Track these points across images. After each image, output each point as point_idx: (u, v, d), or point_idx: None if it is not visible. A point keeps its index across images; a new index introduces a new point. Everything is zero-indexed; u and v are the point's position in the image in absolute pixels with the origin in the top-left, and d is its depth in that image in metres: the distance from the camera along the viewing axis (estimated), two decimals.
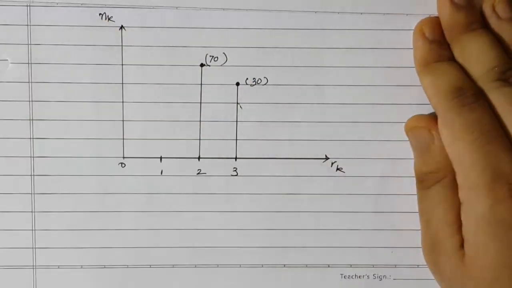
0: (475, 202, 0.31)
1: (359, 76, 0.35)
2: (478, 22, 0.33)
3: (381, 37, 0.35)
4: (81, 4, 0.34)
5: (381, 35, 0.35)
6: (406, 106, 0.35)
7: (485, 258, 0.31)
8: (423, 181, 0.34)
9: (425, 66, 0.34)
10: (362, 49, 0.35)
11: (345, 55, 0.35)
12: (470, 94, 0.32)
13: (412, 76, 0.35)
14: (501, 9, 0.33)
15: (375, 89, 0.35)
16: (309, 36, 0.35)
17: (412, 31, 0.34)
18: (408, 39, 0.35)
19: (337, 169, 0.36)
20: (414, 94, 0.35)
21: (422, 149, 0.34)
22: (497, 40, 0.33)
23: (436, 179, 0.33)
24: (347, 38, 0.35)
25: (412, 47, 0.34)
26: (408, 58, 0.35)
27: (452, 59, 0.33)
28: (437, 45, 0.34)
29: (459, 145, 0.32)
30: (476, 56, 0.33)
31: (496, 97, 0.32)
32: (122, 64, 0.35)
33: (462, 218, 0.32)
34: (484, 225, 0.31)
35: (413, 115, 0.35)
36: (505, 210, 0.31)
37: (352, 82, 0.35)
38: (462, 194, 0.32)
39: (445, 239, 0.33)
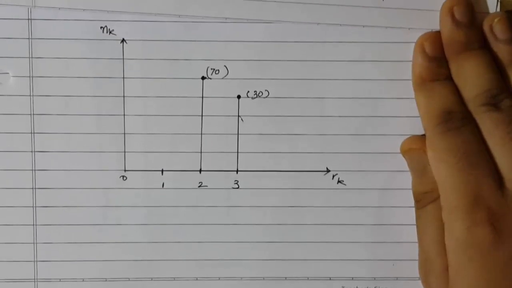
0: (454, 224, 0.32)
1: (360, 88, 0.35)
2: (478, 41, 0.33)
3: (382, 50, 0.35)
4: (83, 17, 0.34)
5: (382, 47, 0.35)
6: (407, 119, 0.35)
7: (464, 280, 0.32)
8: (419, 201, 0.34)
9: (421, 84, 0.34)
10: (363, 61, 0.35)
11: (347, 67, 0.35)
12: (458, 118, 0.33)
13: (412, 89, 0.35)
14: (499, 29, 0.33)
15: (376, 101, 0.35)
16: (311, 48, 0.35)
17: (414, 43, 0.34)
18: (409, 52, 0.35)
19: (338, 181, 0.36)
20: (415, 107, 0.35)
21: (417, 170, 0.34)
22: (494, 61, 0.33)
23: (431, 199, 0.34)
24: (348, 51, 0.35)
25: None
26: (409, 71, 0.35)
27: (449, 76, 0.34)
28: (435, 63, 0.34)
29: (441, 168, 0.32)
30: (470, 77, 0.33)
31: (483, 121, 0.32)
32: (124, 77, 0.35)
33: (445, 239, 0.33)
34: (462, 247, 0.32)
35: (413, 126, 0.35)
36: (483, 233, 0.31)
37: (353, 94, 0.35)
38: (443, 216, 0.33)
39: (434, 258, 0.33)
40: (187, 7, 0.34)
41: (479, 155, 0.32)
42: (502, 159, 0.32)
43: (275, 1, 0.34)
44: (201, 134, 0.35)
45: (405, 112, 0.35)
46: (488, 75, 0.33)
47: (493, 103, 0.32)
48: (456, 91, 0.33)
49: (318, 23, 0.35)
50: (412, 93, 0.35)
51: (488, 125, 0.32)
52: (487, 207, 0.31)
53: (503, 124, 0.32)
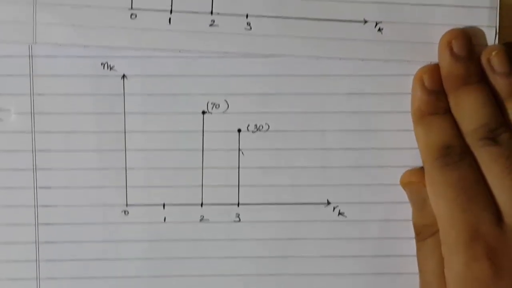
0: (453, 259, 0.32)
1: (360, 121, 0.35)
2: (476, 75, 0.33)
3: (382, 83, 0.35)
4: (83, 54, 0.34)
5: (382, 80, 0.35)
6: (406, 151, 0.35)
7: None
8: (420, 233, 0.34)
9: (420, 117, 0.34)
10: (363, 94, 0.35)
11: (346, 100, 0.35)
12: (456, 153, 0.33)
13: (411, 121, 0.35)
14: (496, 63, 0.33)
15: (376, 133, 0.35)
16: (311, 82, 0.35)
17: (413, 76, 0.35)
18: (408, 84, 0.35)
19: (339, 213, 0.36)
20: (414, 139, 0.35)
21: (417, 203, 0.34)
22: (492, 95, 0.33)
23: (431, 232, 0.34)
24: (348, 84, 0.35)
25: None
26: (409, 103, 0.35)
27: (448, 110, 0.34)
28: (434, 96, 0.34)
29: (440, 202, 0.33)
30: (468, 111, 0.33)
31: (482, 155, 0.33)
32: (125, 112, 0.35)
33: (445, 273, 0.33)
34: (461, 281, 0.32)
35: (413, 158, 0.35)
36: (481, 268, 0.31)
37: (354, 127, 0.35)
38: (443, 250, 0.33)
39: None
40: (187, 42, 0.34)
41: (478, 190, 0.32)
42: (501, 194, 0.32)
43: (275, 36, 0.35)
44: (202, 168, 0.36)
45: (405, 144, 0.35)
46: (486, 109, 0.33)
47: (491, 137, 0.33)
48: (455, 125, 0.34)
49: (317, 57, 0.35)
50: (411, 125, 0.35)
51: (487, 159, 0.32)
52: (486, 242, 0.32)
53: (501, 158, 0.32)
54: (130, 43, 0.34)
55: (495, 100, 0.33)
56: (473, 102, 0.33)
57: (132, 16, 0.34)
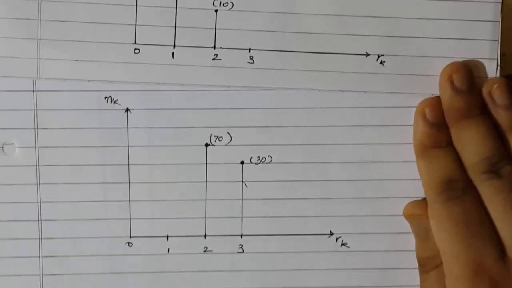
0: None
1: (363, 152, 0.36)
2: (478, 107, 0.34)
3: (384, 115, 0.35)
4: (87, 88, 0.35)
5: (384, 112, 0.35)
6: (409, 182, 0.36)
7: None
8: (423, 265, 0.35)
9: (422, 151, 0.34)
10: (365, 126, 0.35)
11: (349, 132, 0.35)
12: (459, 187, 0.33)
13: (413, 152, 0.35)
14: (498, 95, 0.33)
15: (379, 165, 0.36)
16: (313, 114, 0.35)
17: (415, 108, 0.35)
18: (410, 116, 0.35)
19: (342, 244, 0.36)
20: (417, 170, 0.35)
21: (420, 235, 0.35)
22: (494, 127, 0.33)
23: (435, 264, 0.34)
24: (350, 116, 0.35)
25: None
26: (411, 134, 0.35)
27: (450, 142, 0.34)
28: (436, 129, 0.34)
29: (443, 236, 0.33)
30: (470, 145, 0.33)
31: (484, 189, 0.33)
32: (128, 146, 0.35)
33: None
34: None
35: (415, 190, 0.35)
36: None
37: (356, 158, 0.36)
38: (446, 283, 0.33)
39: None
40: (190, 76, 0.35)
41: (481, 224, 0.32)
42: (504, 228, 0.32)
43: (277, 69, 0.35)
44: (206, 199, 0.36)
45: (407, 175, 0.36)
46: (488, 143, 0.33)
47: (493, 171, 0.33)
48: (457, 158, 0.34)
49: (320, 90, 0.35)
50: (413, 156, 0.35)
51: (489, 193, 0.33)
52: (489, 276, 0.32)
53: (503, 192, 0.32)
54: (133, 77, 0.34)
55: (496, 132, 0.34)
56: (474, 135, 0.33)
57: (136, 51, 0.34)
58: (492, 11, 0.35)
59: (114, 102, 0.35)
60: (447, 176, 0.33)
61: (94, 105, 0.35)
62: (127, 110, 0.35)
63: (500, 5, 0.35)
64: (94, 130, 0.35)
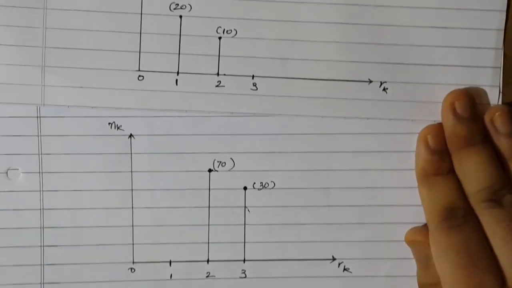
0: None
1: (365, 178, 0.36)
2: (480, 135, 0.34)
3: (386, 141, 0.36)
4: (91, 114, 0.35)
5: (386, 138, 0.35)
6: (411, 208, 0.36)
7: None
8: None
9: (424, 178, 0.34)
10: (368, 152, 0.36)
11: (352, 158, 0.36)
12: (460, 215, 0.33)
13: (415, 179, 0.35)
14: (499, 123, 0.34)
15: (381, 191, 0.36)
16: (316, 140, 0.35)
17: (417, 134, 0.35)
18: (412, 142, 0.35)
19: (344, 269, 0.36)
20: (418, 196, 0.35)
21: (422, 262, 0.35)
22: (495, 155, 0.34)
23: None
24: (353, 142, 0.36)
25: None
26: (413, 160, 0.35)
27: (452, 170, 0.34)
28: (438, 156, 0.34)
29: (444, 265, 0.33)
30: (471, 173, 0.33)
31: (485, 218, 0.33)
32: (132, 171, 0.35)
33: None
34: None
35: (417, 215, 0.36)
36: None
37: (358, 184, 0.36)
38: None
39: None
40: (194, 103, 0.35)
41: (481, 253, 0.32)
42: (504, 257, 0.32)
43: (281, 96, 0.35)
44: (208, 225, 0.36)
45: (409, 201, 0.36)
46: (489, 171, 0.33)
47: (494, 199, 0.33)
48: (459, 186, 0.34)
49: (323, 116, 0.35)
50: (415, 182, 0.35)
51: (490, 222, 0.33)
52: None
53: (504, 221, 0.32)
54: (137, 104, 0.35)
55: (498, 160, 0.34)
56: (476, 163, 0.33)
57: (140, 78, 0.35)
58: (494, 38, 0.35)
59: (118, 128, 0.35)
60: (448, 204, 0.33)
61: (98, 131, 0.35)
62: (130, 136, 0.35)
63: (502, 32, 0.35)
64: (98, 156, 0.35)
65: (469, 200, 0.33)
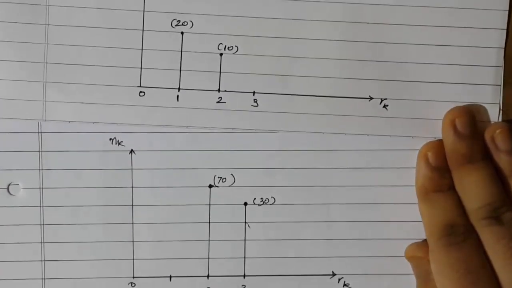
0: None
1: (365, 194, 0.36)
2: (480, 153, 0.34)
3: (387, 158, 0.36)
4: (92, 130, 0.35)
5: (387, 155, 0.36)
6: (411, 223, 0.36)
7: None
8: None
9: (424, 195, 0.34)
10: (368, 168, 0.36)
11: (352, 174, 0.36)
12: (460, 232, 0.33)
13: (415, 195, 0.35)
14: (500, 140, 0.34)
15: (381, 207, 0.36)
16: (316, 156, 0.36)
17: (417, 151, 0.35)
18: (412, 158, 0.35)
19: (344, 285, 0.36)
20: (418, 212, 0.35)
21: (422, 277, 0.35)
22: (496, 172, 0.34)
23: None
24: (353, 159, 0.36)
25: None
26: (413, 177, 0.35)
27: (452, 187, 0.34)
28: (438, 173, 0.34)
29: (443, 281, 0.33)
30: (471, 190, 0.33)
31: (485, 235, 0.33)
32: (132, 187, 0.35)
33: None
34: None
35: (417, 231, 0.36)
36: None
37: (358, 200, 0.36)
38: None
39: None
40: (195, 119, 0.35)
41: (481, 271, 0.33)
42: (504, 275, 0.32)
43: (281, 112, 0.35)
44: (209, 240, 0.36)
45: (409, 217, 0.36)
46: (489, 188, 0.33)
47: (494, 217, 0.33)
48: (459, 203, 0.34)
49: (323, 133, 0.35)
50: (415, 198, 0.35)
51: (490, 239, 0.33)
52: None
53: (504, 239, 0.32)
54: (138, 120, 0.35)
55: (498, 177, 0.34)
56: (476, 181, 0.34)
57: (141, 94, 0.35)
58: (494, 56, 0.35)
59: (119, 143, 0.35)
60: (448, 221, 0.33)
61: (99, 147, 0.35)
62: (131, 151, 0.35)
63: (502, 50, 0.35)
64: (98, 171, 0.35)
65: (469, 217, 0.34)
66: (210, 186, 0.36)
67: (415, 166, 0.35)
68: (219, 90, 0.35)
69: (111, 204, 0.35)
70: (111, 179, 0.35)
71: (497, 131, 0.34)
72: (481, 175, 0.34)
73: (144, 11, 0.34)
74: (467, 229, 0.33)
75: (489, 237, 0.33)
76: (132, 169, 0.35)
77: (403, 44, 0.35)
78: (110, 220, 0.35)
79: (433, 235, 0.34)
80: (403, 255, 0.36)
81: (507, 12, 0.35)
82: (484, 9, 0.35)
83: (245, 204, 0.36)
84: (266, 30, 0.35)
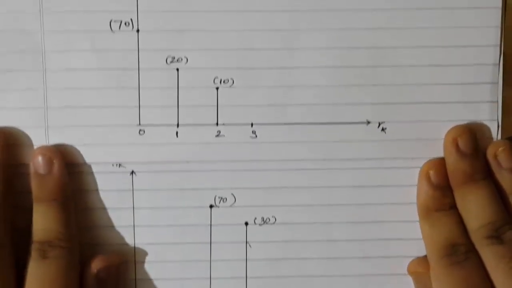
0: None
1: (366, 213, 0.36)
2: (482, 171, 0.34)
3: (388, 175, 0.36)
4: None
5: (388, 173, 0.36)
6: (413, 241, 0.36)
7: None
8: None
9: (426, 213, 0.35)
10: (369, 186, 0.36)
11: (353, 193, 0.36)
12: (461, 251, 0.33)
13: (416, 213, 0.35)
14: (503, 158, 0.34)
15: (382, 225, 0.36)
16: (316, 175, 0.36)
17: (418, 169, 0.35)
18: (413, 177, 0.35)
19: None
20: (420, 229, 0.36)
21: None
22: (497, 191, 0.34)
23: None
24: (353, 177, 0.36)
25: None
26: (414, 195, 0.35)
27: (454, 205, 0.34)
28: (440, 192, 0.34)
29: None
30: (473, 208, 0.34)
31: (486, 254, 0.33)
32: (133, 208, 0.35)
33: None
34: None
35: (419, 248, 0.36)
36: None
37: (360, 219, 0.36)
38: None
39: None
40: (195, 153, 0.35)
41: None
42: None
43: (280, 142, 0.35)
44: (210, 260, 0.36)
45: (411, 235, 0.36)
46: (491, 208, 0.33)
47: (496, 236, 0.33)
48: (460, 221, 0.34)
49: (323, 159, 0.36)
50: (416, 216, 0.35)
51: (491, 258, 0.33)
52: None
53: (505, 258, 0.32)
54: (139, 158, 0.35)
55: (500, 196, 0.34)
56: (478, 200, 0.34)
57: (141, 132, 0.35)
58: (490, 73, 0.35)
59: (119, 165, 0.35)
60: (450, 240, 0.33)
61: (99, 168, 0.35)
62: (132, 172, 0.35)
63: (497, 67, 0.35)
64: (99, 192, 0.35)
65: (470, 236, 0.34)
66: (211, 206, 0.36)
67: (416, 184, 0.35)
68: (217, 124, 0.35)
69: (112, 225, 0.35)
70: (112, 200, 0.35)
71: (500, 149, 0.34)
72: (483, 194, 0.34)
73: (138, 50, 0.34)
74: (469, 248, 0.33)
75: (490, 256, 0.33)
76: (133, 190, 0.35)
77: (398, 67, 0.35)
78: (111, 241, 0.35)
79: (435, 254, 0.34)
80: (405, 272, 0.36)
81: (499, 29, 0.35)
82: (477, 27, 0.35)
83: (246, 223, 0.36)
84: (260, 61, 0.35)
